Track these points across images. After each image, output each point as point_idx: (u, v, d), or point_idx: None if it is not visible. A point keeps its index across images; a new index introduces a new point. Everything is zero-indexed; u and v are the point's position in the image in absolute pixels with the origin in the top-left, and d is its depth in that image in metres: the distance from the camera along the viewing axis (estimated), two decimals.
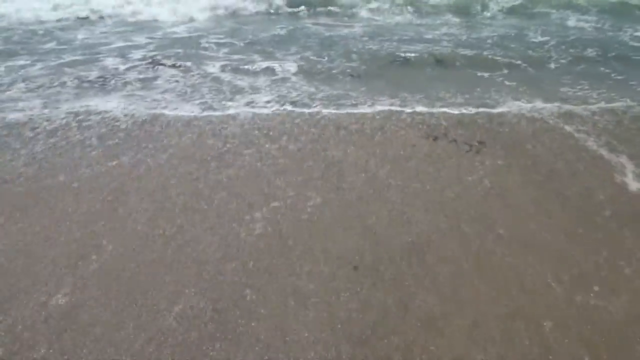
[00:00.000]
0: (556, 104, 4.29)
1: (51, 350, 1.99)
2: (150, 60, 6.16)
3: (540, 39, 7.47)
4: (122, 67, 5.79)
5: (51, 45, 7.47)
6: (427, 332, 2.07)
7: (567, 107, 4.21)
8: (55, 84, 5.20)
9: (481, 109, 4.35)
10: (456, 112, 4.30)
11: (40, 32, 8.31)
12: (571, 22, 8.41)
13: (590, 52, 6.60)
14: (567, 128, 3.74)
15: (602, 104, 4.32)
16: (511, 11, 8.87)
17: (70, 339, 2.05)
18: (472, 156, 3.50)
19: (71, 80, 5.20)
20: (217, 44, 7.01)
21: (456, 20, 8.63)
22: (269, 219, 2.81)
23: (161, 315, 2.18)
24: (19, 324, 2.12)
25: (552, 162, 3.39)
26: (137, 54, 6.54)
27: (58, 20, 8.99)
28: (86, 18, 9.00)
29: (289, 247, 2.59)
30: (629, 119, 4.05)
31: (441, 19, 8.69)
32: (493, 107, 4.36)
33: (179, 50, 6.65)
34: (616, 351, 1.97)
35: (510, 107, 4.30)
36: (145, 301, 2.25)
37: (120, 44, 7.39)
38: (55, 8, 9.37)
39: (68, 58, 6.55)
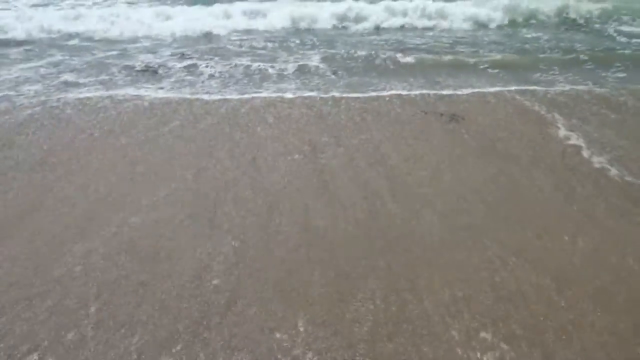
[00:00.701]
0: (524, 85, 5.64)
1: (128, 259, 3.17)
2: (180, 55, 7.55)
3: (533, 34, 8.79)
4: (157, 61, 7.18)
5: (74, 42, 8.74)
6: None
7: (532, 87, 5.61)
8: (104, 73, 6.59)
9: (466, 91, 5.68)
10: (445, 93, 5.64)
11: (55, 34, 9.56)
12: (562, 18, 9.78)
13: (578, 46, 7.87)
14: (525, 102, 5.14)
15: (562, 85, 5.67)
16: (509, 9, 10.19)
17: (143, 250, 3.23)
18: (453, 124, 4.82)
19: (119, 71, 6.61)
20: (240, 40, 8.43)
21: (458, 19, 9.97)
22: (290, 168, 4.10)
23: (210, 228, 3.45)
24: (102, 239, 3.38)
25: (506, 125, 4.76)
26: (167, 51, 7.93)
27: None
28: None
29: (305, 185, 3.87)
30: (575, 94, 5.45)
31: (443, 21, 10.05)
32: (475, 88, 5.71)
33: (205, 47, 8.04)
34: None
35: (487, 88, 5.66)
36: (202, 212, 3.53)
37: (146, 43, 8.75)
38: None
39: (100, 54, 7.88)
